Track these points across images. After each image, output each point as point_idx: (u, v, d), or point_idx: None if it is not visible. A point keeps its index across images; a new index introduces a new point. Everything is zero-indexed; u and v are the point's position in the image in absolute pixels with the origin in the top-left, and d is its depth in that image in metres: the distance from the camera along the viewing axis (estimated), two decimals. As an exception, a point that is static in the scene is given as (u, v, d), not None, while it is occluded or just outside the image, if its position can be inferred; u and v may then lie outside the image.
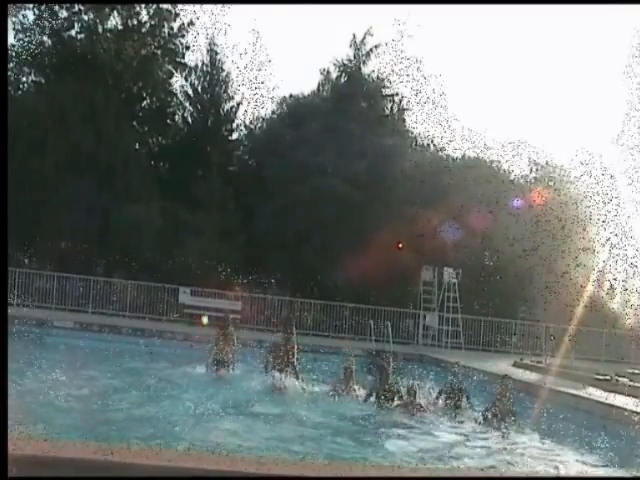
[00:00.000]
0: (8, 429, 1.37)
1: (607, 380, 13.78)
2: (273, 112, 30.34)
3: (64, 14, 26.40)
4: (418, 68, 26.03)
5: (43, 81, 27.03)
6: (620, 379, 14.11)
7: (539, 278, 29.03)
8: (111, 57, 27.05)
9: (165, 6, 27.52)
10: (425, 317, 20.81)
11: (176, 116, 29.83)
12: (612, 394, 11.37)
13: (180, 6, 27.69)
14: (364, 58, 28.05)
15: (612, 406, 10.29)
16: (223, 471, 1.50)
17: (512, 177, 33.62)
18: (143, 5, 27.29)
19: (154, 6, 27.42)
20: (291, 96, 30.14)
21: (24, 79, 27.68)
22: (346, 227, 25.53)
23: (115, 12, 27.11)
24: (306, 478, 1.48)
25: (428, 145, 33.94)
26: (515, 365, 16.99)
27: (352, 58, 28.10)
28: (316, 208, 25.00)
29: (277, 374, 11.53)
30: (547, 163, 33.55)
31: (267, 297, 22.38)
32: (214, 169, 24.53)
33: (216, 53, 28.75)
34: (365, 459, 6.69)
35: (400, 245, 24.11)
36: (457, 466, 6.87)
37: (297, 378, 11.66)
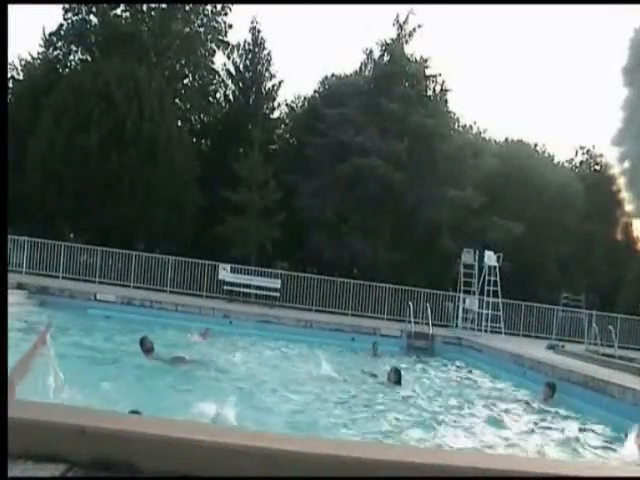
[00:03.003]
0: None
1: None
2: (315, 91, 30.26)
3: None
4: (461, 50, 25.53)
5: (89, 59, 27.39)
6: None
7: (581, 263, 28.54)
8: (155, 35, 27.24)
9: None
10: (465, 300, 20.51)
11: (218, 94, 29.99)
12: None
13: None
14: (407, 38, 27.57)
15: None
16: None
17: (557, 160, 32.96)
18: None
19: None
20: (333, 75, 29.96)
21: (71, 57, 28.13)
22: (386, 207, 25.39)
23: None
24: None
25: (470, 127, 33.48)
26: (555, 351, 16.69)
27: (395, 37, 27.63)
28: (356, 187, 24.90)
29: None
30: (593, 147, 32.80)
31: (306, 276, 22.40)
32: (255, 147, 24.56)
33: (258, 31, 28.70)
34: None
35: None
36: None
37: None
